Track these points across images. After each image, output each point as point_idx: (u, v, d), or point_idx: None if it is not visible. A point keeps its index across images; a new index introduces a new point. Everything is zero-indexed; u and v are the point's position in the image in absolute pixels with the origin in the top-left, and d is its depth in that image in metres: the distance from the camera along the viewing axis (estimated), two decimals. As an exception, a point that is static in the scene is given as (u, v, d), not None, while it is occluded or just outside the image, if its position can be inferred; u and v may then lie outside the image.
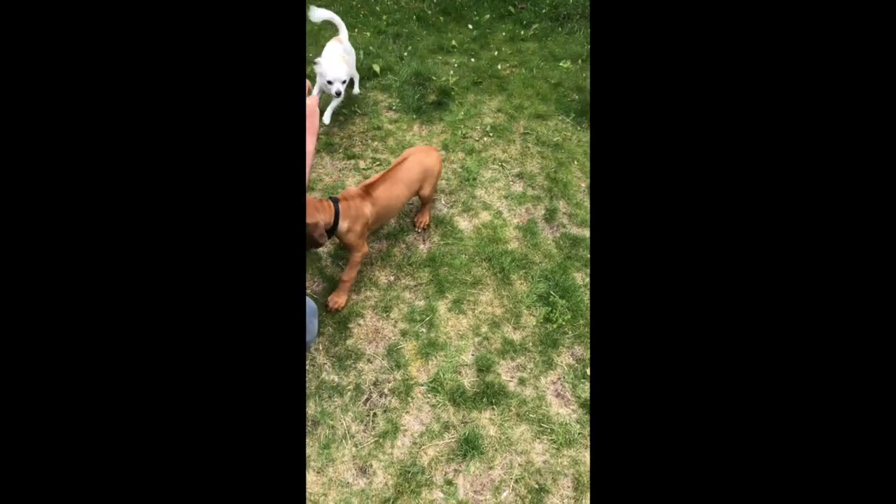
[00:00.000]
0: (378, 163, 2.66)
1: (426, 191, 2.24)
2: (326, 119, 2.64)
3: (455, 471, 1.74)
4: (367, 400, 1.88)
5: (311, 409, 1.85)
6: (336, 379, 1.92)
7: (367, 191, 2.05)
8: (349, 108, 2.91)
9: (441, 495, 1.69)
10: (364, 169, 2.64)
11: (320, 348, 1.99)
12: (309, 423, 1.81)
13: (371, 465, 1.73)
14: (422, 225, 2.36)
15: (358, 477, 1.71)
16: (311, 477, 1.70)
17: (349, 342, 2.02)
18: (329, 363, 1.96)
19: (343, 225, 1.97)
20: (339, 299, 2.08)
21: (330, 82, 2.42)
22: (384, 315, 2.11)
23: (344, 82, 2.45)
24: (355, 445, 1.77)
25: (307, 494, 1.67)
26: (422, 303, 2.15)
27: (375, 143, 2.77)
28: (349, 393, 1.89)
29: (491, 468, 1.75)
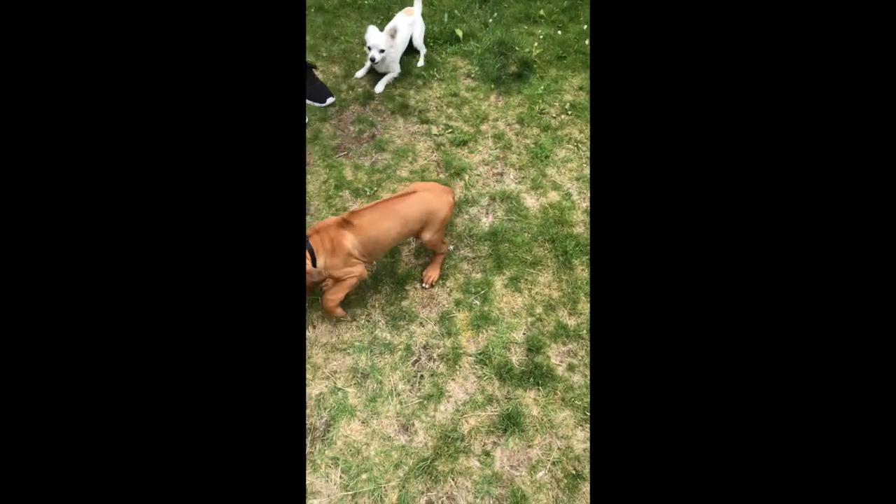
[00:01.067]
0: (450, 130, 2.64)
1: (427, 236, 1.95)
2: (379, 88, 2.78)
3: (494, 443, 1.76)
4: (416, 362, 1.93)
5: (363, 362, 1.91)
6: (388, 337, 1.98)
7: (349, 219, 1.82)
8: (428, 72, 2.89)
9: (477, 464, 1.72)
10: (436, 135, 2.62)
11: (376, 305, 2.05)
12: (359, 376, 1.89)
13: (413, 425, 1.79)
14: (429, 281, 2.07)
15: (399, 433, 1.77)
16: (355, 426, 1.78)
17: (404, 303, 2.06)
18: (383, 321, 2.01)
19: (320, 262, 1.78)
20: (331, 307, 1.93)
21: (369, 48, 2.63)
22: (440, 282, 2.12)
23: (382, 51, 2.61)
24: (400, 403, 1.83)
25: (352, 441, 1.75)
26: (478, 275, 2.14)
27: (450, 109, 2.74)
28: (399, 352, 1.94)
29: (530, 447, 1.75)
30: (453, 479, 1.69)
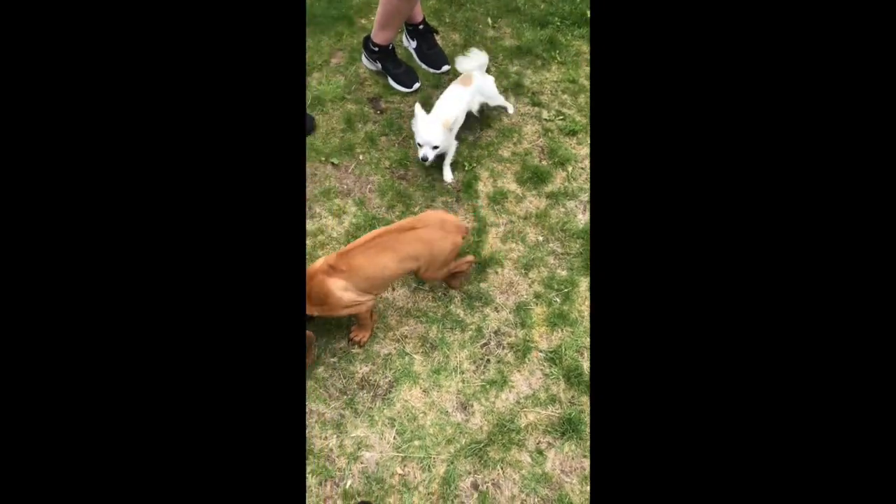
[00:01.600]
0: (562, 117, 2.53)
1: (427, 274, 1.80)
2: (448, 177, 2.29)
3: (549, 444, 1.72)
4: (485, 345, 1.92)
5: (433, 333, 1.93)
6: (461, 314, 1.98)
7: (336, 265, 1.68)
8: (549, 53, 2.77)
9: (528, 460, 1.70)
10: (545, 120, 2.53)
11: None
12: (427, 346, 1.91)
13: (472, 406, 1.79)
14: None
15: (457, 410, 1.79)
16: (416, 393, 1.82)
17: (482, 285, 2.04)
18: (459, 298, 2.01)
19: (312, 312, 1.70)
20: (361, 335, 1.89)
21: (420, 145, 2.14)
22: (523, 272, 2.08)
23: (435, 148, 2.12)
24: (463, 381, 1.84)
25: (410, 407, 1.79)
26: (564, 273, 2.07)
27: (565, 96, 2.62)
28: (470, 332, 1.94)
29: (585, 457, 1.70)
30: (502, 469, 1.68)
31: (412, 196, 2.28)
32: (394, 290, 2.04)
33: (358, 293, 1.71)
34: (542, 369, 1.86)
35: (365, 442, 1.73)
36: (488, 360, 1.88)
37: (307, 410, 1.79)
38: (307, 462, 1.69)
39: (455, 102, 2.23)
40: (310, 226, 2.20)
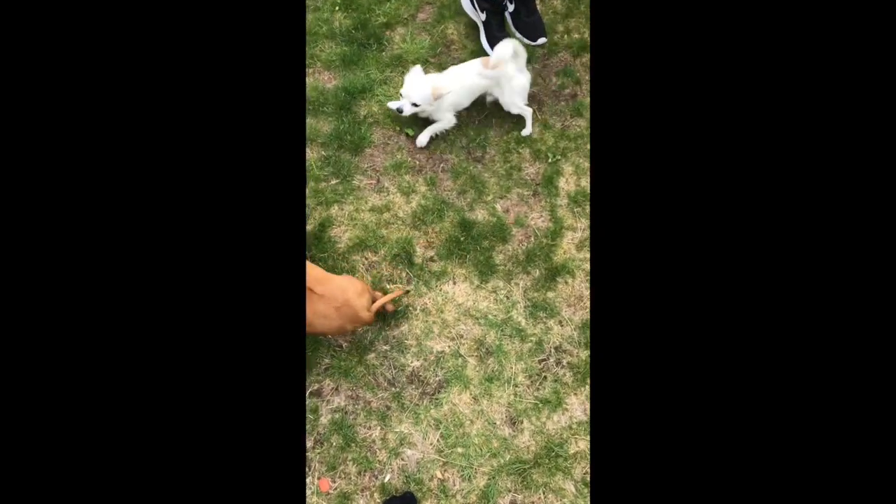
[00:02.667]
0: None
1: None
2: (422, 140, 2.13)
3: (596, 477, 1.65)
4: (544, 361, 1.81)
5: (491, 338, 1.84)
6: (523, 323, 1.87)
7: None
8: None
9: (573, 490, 1.63)
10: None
11: (520, 285, 1.92)
12: (483, 350, 1.83)
13: (522, 422, 1.72)
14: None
15: (506, 424, 1.72)
16: (465, 398, 1.76)
17: (550, 294, 1.91)
18: (523, 304, 1.90)
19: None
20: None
21: (401, 94, 2.00)
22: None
23: (415, 106, 1.98)
24: (515, 395, 1.76)
25: (458, 412, 1.74)
26: (640, 294, 1.91)
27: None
28: (529, 344, 1.83)
29: (633, 498, 1.62)
30: (544, 494, 1.63)
31: (486, 184, 2.12)
32: (454, 283, 1.94)
33: None
34: (600, 397, 1.76)
35: (408, 439, 1.71)
36: (545, 378, 1.78)
37: (355, 396, 1.77)
38: (349, 449, 1.69)
39: (462, 78, 2.03)
40: (377, 200, 2.09)
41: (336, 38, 2.37)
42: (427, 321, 1.87)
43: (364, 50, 2.34)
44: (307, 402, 1.76)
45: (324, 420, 1.73)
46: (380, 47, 2.36)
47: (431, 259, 1.98)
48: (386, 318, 1.87)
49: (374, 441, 1.71)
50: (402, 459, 1.68)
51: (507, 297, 1.91)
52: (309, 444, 1.71)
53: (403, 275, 1.95)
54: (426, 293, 1.92)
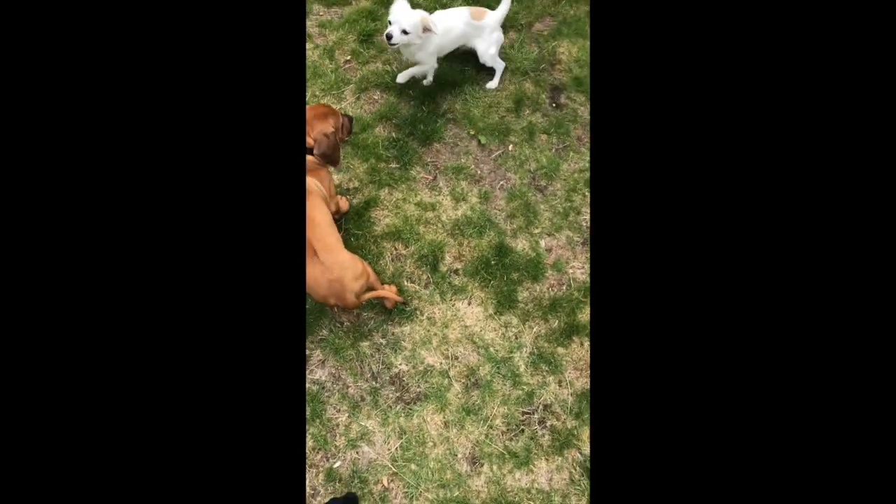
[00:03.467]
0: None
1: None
2: (401, 78, 2.18)
3: (536, 552, 1.56)
4: (528, 414, 1.73)
5: (484, 371, 1.78)
6: (522, 368, 1.78)
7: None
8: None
9: (507, 554, 1.55)
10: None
11: (533, 329, 1.83)
12: (471, 381, 1.77)
13: (482, 464, 1.66)
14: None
15: (465, 460, 1.66)
16: (437, 420, 1.72)
17: (560, 350, 1.81)
18: (528, 349, 1.81)
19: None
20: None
21: (390, 22, 1.95)
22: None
23: (405, 33, 1.92)
24: (487, 436, 1.69)
25: (425, 431, 1.70)
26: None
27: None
28: (520, 392, 1.75)
29: (565, 590, 1.51)
30: (477, 545, 1.57)
31: (539, 215, 2.03)
32: (469, 303, 1.88)
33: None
34: (572, 473, 1.65)
35: (369, 437, 1.70)
36: (522, 431, 1.70)
37: (337, 376, 1.79)
38: (313, 423, 1.72)
39: (450, 18, 2.08)
40: (426, 197, 2.07)
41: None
42: (429, 331, 1.84)
43: (467, 46, 2.30)
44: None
45: (301, 387, 1.77)
46: (484, 47, 2.30)
47: (456, 272, 1.94)
48: (390, 313, 1.86)
49: (337, 425, 1.72)
50: (357, 453, 1.68)
51: (516, 338, 1.83)
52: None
53: (424, 277, 1.93)
54: (438, 303, 1.88)
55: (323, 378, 1.79)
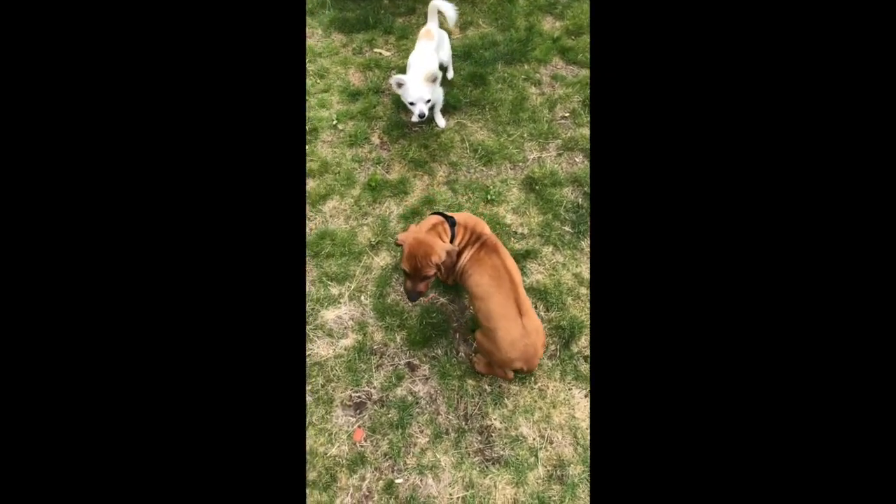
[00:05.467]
0: None
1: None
2: (442, 123, 2.42)
3: None
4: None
5: (575, 471, 1.67)
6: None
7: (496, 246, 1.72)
8: None
9: None
10: None
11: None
12: (557, 473, 1.67)
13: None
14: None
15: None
16: (508, 492, 1.64)
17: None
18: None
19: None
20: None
21: (412, 103, 2.13)
22: None
23: (428, 102, 2.13)
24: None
25: (494, 497, 1.64)
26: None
27: None
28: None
29: None
30: None
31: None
32: (586, 396, 1.79)
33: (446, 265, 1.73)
34: None
35: (438, 473, 1.68)
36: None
37: (432, 398, 1.80)
38: (395, 431, 1.74)
39: (428, 56, 2.26)
40: (586, 272, 2.03)
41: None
42: (535, 403, 1.79)
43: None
44: (411, 358, 1.86)
45: (399, 391, 1.82)
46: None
47: (586, 358, 1.86)
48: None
49: (415, 444, 1.73)
50: (420, 481, 1.67)
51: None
52: (376, 395, 1.81)
53: (552, 348, 1.88)
54: (555, 380, 1.82)
55: (421, 393, 1.82)
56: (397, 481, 1.67)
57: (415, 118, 2.20)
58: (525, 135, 2.42)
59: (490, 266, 1.66)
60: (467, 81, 2.61)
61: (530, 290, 1.99)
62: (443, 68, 2.47)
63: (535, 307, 1.96)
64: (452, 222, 1.73)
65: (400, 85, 2.11)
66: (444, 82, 2.52)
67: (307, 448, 1.74)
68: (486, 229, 1.77)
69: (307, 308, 2.00)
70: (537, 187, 2.24)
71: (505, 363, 1.68)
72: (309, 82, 2.68)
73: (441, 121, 2.43)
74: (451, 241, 1.70)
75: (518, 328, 1.60)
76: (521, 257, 2.07)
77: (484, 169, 2.34)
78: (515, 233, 2.14)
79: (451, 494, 1.65)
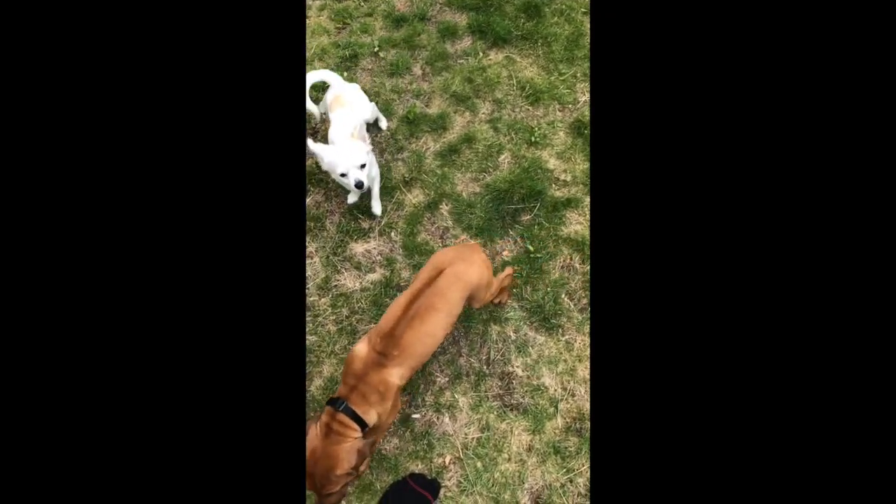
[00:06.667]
0: None
1: (479, 304, 1.57)
2: (378, 209, 1.97)
3: None
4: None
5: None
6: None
7: (385, 351, 1.35)
8: None
9: None
10: None
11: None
12: (577, 426, 1.64)
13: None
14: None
15: (528, 495, 1.57)
16: (524, 438, 1.63)
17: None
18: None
19: (372, 419, 1.36)
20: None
21: (343, 175, 1.69)
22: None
23: (363, 167, 1.70)
24: (562, 487, 1.57)
25: (510, 442, 1.63)
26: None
27: None
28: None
29: None
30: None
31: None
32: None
33: (403, 382, 1.42)
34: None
35: (455, 413, 1.68)
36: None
37: (456, 340, 1.77)
38: (415, 367, 1.74)
39: (348, 121, 1.82)
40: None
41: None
42: (561, 354, 1.73)
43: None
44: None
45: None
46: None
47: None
48: (533, 312, 1.77)
49: (434, 382, 1.73)
50: (437, 419, 1.68)
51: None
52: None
53: (583, 302, 1.80)
54: (584, 334, 1.75)
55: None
56: (414, 416, 1.68)
57: (352, 197, 1.94)
58: (578, 74, 2.23)
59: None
60: (520, 12, 2.40)
61: (567, 240, 1.89)
62: (372, 129, 2.11)
63: (571, 258, 1.87)
64: (341, 404, 1.34)
65: (322, 157, 1.71)
66: (379, 155, 2.10)
67: (328, 375, 1.76)
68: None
69: (335, 239, 1.97)
70: (586, 132, 2.08)
71: (488, 279, 1.54)
72: (353, 4, 2.53)
73: (378, 206, 1.98)
74: (361, 424, 1.34)
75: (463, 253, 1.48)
76: (561, 205, 1.95)
77: (530, 108, 2.18)
78: (557, 179, 2.02)
79: (466, 434, 1.65)
